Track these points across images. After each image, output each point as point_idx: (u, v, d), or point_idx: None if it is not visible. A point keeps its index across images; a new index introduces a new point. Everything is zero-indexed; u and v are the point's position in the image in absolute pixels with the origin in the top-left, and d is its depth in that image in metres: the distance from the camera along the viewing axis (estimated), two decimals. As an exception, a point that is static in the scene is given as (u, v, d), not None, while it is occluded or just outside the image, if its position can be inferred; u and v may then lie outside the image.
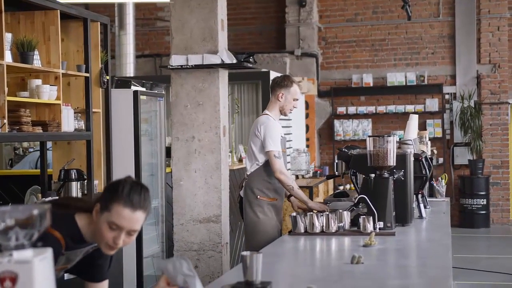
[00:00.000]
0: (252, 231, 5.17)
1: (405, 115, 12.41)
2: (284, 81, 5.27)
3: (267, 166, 5.16)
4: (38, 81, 4.98)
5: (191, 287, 2.46)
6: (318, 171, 11.02)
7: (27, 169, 7.29)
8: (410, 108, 12.46)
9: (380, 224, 4.24)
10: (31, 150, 8.60)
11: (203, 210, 5.67)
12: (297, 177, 10.17)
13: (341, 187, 12.34)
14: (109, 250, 2.61)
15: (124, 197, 2.53)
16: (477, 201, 12.11)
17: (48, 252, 1.79)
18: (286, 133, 10.03)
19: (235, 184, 7.39)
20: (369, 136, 4.43)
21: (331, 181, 11.15)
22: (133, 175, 6.28)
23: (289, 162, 9.74)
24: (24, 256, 1.74)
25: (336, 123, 12.82)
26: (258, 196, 5.17)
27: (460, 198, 12.32)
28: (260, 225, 5.12)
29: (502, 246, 10.81)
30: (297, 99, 5.30)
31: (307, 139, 12.31)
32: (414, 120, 5.47)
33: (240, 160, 8.10)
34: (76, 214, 2.65)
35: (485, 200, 12.12)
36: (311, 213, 4.30)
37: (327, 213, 4.30)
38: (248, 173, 5.28)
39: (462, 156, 12.45)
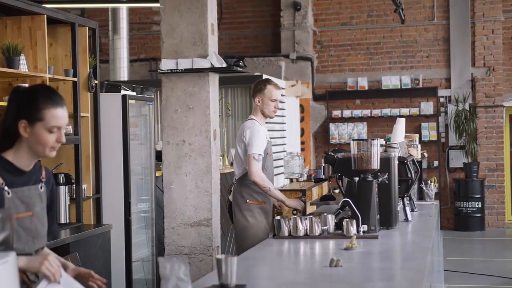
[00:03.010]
0: (242, 235, 5.22)
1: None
2: (258, 85, 5.41)
3: None
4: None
5: None
6: (313, 175, 11.02)
7: None
8: (405, 111, 12.48)
9: (364, 227, 4.25)
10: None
11: (194, 213, 5.68)
12: (291, 180, 10.18)
13: (337, 191, 12.35)
14: (52, 152, 2.71)
15: (48, 101, 2.66)
16: (472, 204, 12.11)
17: (11, 256, 1.81)
18: (280, 136, 10.07)
19: (226, 188, 7.40)
20: (353, 140, 4.45)
21: (325, 184, 11.16)
22: (122, 178, 6.30)
23: (281, 166, 9.76)
24: (-15, 260, 1.76)
25: (332, 126, 12.83)
26: (248, 200, 5.25)
27: (455, 201, 12.33)
28: (250, 229, 5.18)
29: (497, 249, 10.81)
30: (275, 100, 5.37)
31: (303, 143, 12.34)
32: (401, 124, 5.48)
33: (232, 164, 8.11)
34: (2, 154, 2.69)
35: (480, 203, 12.13)
36: (295, 216, 4.31)
37: (311, 216, 4.30)
38: (236, 178, 5.37)
39: (457, 159, 12.46)
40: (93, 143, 5.99)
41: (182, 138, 5.82)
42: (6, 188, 2.62)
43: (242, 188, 5.28)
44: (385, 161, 4.51)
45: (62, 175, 5.42)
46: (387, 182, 4.50)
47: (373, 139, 4.41)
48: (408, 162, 5.01)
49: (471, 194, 12.13)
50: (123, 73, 10.53)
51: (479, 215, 12.15)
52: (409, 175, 4.98)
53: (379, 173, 4.46)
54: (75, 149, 5.63)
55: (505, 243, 11.53)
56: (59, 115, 2.68)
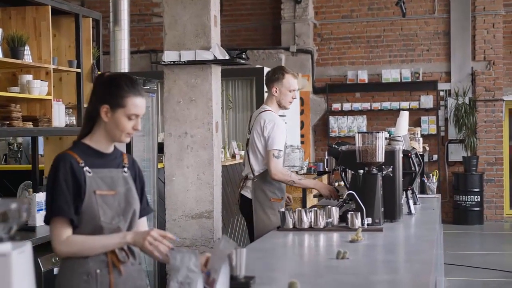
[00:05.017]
0: (264, 233, 5.00)
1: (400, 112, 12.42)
2: (275, 74, 5.15)
3: None
4: (29, 77, 4.99)
5: (192, 284, 2.51)
6: (313, 168, 11.04)
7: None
8: (405, 104, 12.49)
9: (369, 220, 4.26)
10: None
11: (195, 206, 5.68)
12: (291, 173, 10.19)
13: (336, 184, 12.36)
14: (127, 138, 2.86)
15: (131, 89, 2.81)
16: (471, 198, 12.14)
17: (27, 246, 1.81)
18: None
19: (228, 180, 7.41)
20: (358, 133, 4.44)
21: (325, 177, 11.18)
22: (125, 170, 6.29)
23: (283, 158, 9.76)
24: (2, 249, 1.76)
25: (331, 119, 12.84)
26: (271, 199, 5.05)
27: (454, 194, 12.35)
28: (271, 227, 4.95)
29: (495, 243, 10.85)
30: (293, 90, 5.16)
31: (302, 136, 12.34)
32: (404, 117, 5.49)
33: (233, 156, 8.12)
34: (81, 140, 2.88)
35: (479, 197, 12.16)
36: (300, 209, 4.31)
37: (316, 209, 4.29)
38: (255, 173, 5.10)
39: (457, 153, 12.48)
40: (96, 135, 5.98)
41: (184, 130, 5.83)
42: (86, 168, 2.79)
43: (264, 185, 5.05)
44: (390, 154, 4.51)
45: (65, 166, 5.40)
46: (391, 175, 4.50)
47: (378, 132, 4.41)
48: (412, 155, 5.02)
49: (470, 188, 12.15)
50: (124, 65, 10.45)
51: (478, 209, 12.18)
52: (413, 168, 4.98)
53: (383, 166, 4.46)
54: (78, 141, 5.62)
55: (503, 236, 11.57)
56: (139, 104, 2.82)
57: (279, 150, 4.94)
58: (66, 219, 2.75)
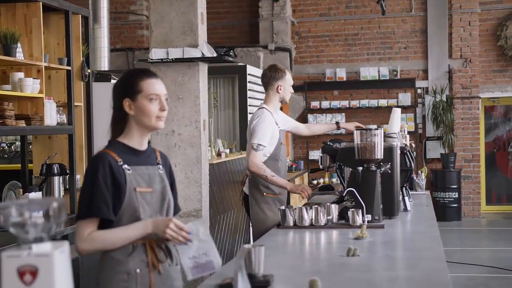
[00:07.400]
0: (261, 228, 4.98)
1: (378, 110, 12.53)
2: (278, 73, 5.24)
3: (270, 161, 5.07)
4: (21, 74, 4.91)
5: (209, 253, 2.52)
6: (293, 166, 11.07)
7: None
8: (383, 102, 12.55)
9: (368, 217, 4.26)
10: (3, 144, 8.49)
11: (183, 204, 5.66)
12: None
13: (315, 182, 12.39)
14: (159, 122, 2.83)
15: (142, 74, 2.84)
16: (449, 194, 12.25)
17: (66, 246, 1.77)
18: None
19: (214, 179, 7.37)
20: (357, 129, 4.44)
21: (306, 175, 11.21)
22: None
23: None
24: (44, 249, 1.73)
25: (310, 117, 12.85)
26: (265, 193, 5.11)
27: (432, 191, 12.44)
28: (268, 222, 4.96)
29: (474, 238, 10.96)
30: (292, 84, 5.35)
31: (281, 134, 12.33)
32: (397, 114, 5.50)
33: (219, 154, 8.08)
34: (116, 139, 2.87)
35: (456, 193, 12.28)
36: (300, 206, 4.30)
37: (317, 206, 4.28)
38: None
39: (434, 150, 12.58)
40: (86, 133, 5.91)
41: (171, 128, 5.80)
42: (125, 166, 2.78)
43: (258, 181, 5.08)
44: (388, 151, 4.52)
45: (57, 165, 5.34)
46: (389, 171, 4.50)
47: (377, 129, 4.41)
48: (407, 152, 5.04)
49: (448, 184, 12.26)
50: (104, 63, 10.38)
51: (455, 205, 12.30)
52: (408, 164, 5.00)
53: (381, 163, 4.46)
54: (69, 139, 5.54)
55: (481, 232, 11.69)
56: (156, 84, 2.83)
57: (259, 144, 5.00)
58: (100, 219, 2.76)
